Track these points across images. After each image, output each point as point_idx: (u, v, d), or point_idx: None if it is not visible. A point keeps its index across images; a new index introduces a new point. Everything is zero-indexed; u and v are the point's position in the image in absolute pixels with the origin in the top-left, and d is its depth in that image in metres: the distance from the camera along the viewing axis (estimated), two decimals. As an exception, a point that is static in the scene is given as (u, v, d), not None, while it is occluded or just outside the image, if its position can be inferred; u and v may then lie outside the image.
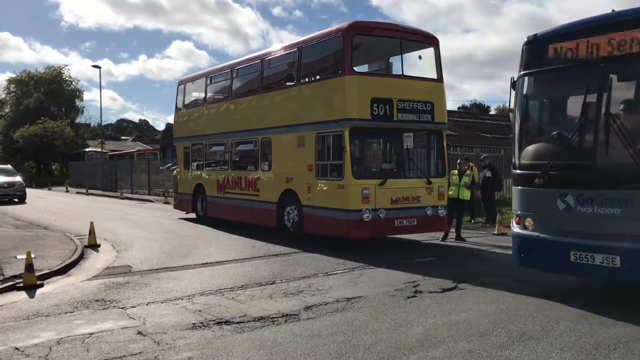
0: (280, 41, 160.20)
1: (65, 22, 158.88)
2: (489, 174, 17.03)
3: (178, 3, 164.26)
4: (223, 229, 15.70)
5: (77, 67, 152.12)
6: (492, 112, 76.47)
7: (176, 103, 19.73)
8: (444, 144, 13.09)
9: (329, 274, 9.41)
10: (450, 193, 13.28)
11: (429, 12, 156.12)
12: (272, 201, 13.95)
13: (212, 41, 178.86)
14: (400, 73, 12.70)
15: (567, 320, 6.57)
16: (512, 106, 8.30)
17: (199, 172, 18.17)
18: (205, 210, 17.65)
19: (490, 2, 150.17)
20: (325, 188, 12.22)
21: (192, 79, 19.37)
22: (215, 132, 17.01)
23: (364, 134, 12.52)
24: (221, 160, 17.35)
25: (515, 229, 8.07)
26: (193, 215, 18.51)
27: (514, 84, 8.06)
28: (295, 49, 13.48)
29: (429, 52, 12.91)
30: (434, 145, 13.02)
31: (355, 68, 12.12)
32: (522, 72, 7.95)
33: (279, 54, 14.40)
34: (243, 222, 15.72)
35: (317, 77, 13.46)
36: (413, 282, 8.72)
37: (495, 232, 14.63)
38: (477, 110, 72.29)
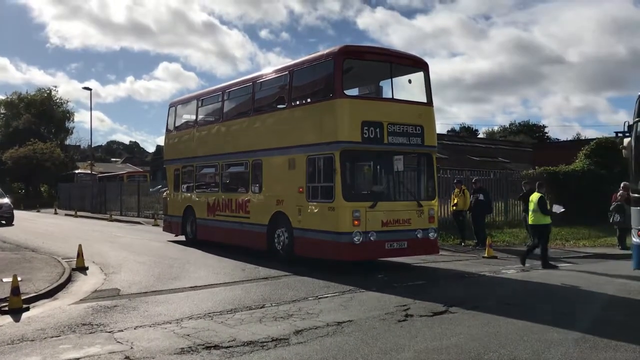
0: (268, 63, 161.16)
1: (51, 44, 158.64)
2: (481, 197, 17.13)
3: (165, 25, 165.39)
4: (212, 251, 15.60)
5: (64, 87, 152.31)
6: (481, 135, 77.23)
7: (167, 125, 19.74)
8: (434, 166, 13.10)
9: (319, 298, 9.35)
10: (531, 221, 13.27)
11: (416, 35, 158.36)
12: (263, 223, 13.88)
13: (200, 63, 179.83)
14: (391, 96, 12.79)
15: (558, 344, 6.56)
16: (625, 145, 10.18)
17: (189, 194, 18.09)
18: (195, 232, 17.53)
19: (477, 26, 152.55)
20: (316, 210, 12.18)
21: (183, 102, 19.42)
22: (206, 154, 16.97)
23: (355, 156, 12.41)
24: (212, 182, 17.28)
25: (635, 239, 9.96)
26: (182, 238, 18.38)
27: (629, 127, 9.81)
28: (287, 72, 13.54)
29: (419, 76, 13.03)
30: (424, 168, 13.02)
31: (345, 91, 12.18)
32: (636, 119, 9.70)
33: (270, 77, 14.46)
34: (233, 244, 15.60)
35: (308, 100, 13.51)
36: (404, 305, 8.68)
37: (485, 255, 14.64)
38: (465, 133, 72.89)
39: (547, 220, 13.18)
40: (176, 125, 19.35)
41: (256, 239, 14.26)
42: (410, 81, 13.17)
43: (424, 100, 12.91)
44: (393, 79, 12.89)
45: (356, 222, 11.49)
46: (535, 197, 13.33)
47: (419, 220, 12.35)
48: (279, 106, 13.96)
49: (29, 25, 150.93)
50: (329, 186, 11.74)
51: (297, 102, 13.54)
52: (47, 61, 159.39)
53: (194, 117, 18.21)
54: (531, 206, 13.36)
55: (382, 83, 13.77)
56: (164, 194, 20.52)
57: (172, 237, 19.20)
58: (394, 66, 12.77)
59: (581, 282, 11.06)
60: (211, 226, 16.55)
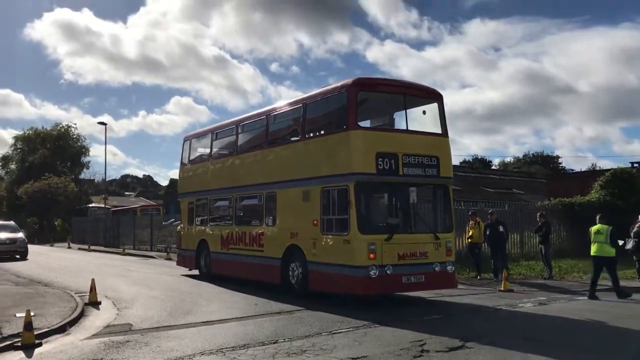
0: (279, 96, 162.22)
1: (65, 80, 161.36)
2: (502, 228, 16.95)
3: (176, 59, 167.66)
4: (225, 285, 15.51)
5: (78, 122, 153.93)
6: (494, 166, 77.00)
7: (181, 159, 19.78)
8: (451, 198, 12.89)
9: (333, 333, 9.21)
10: (596, 252, 13.14)
11: (425, 67, 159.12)
12: (277, 257, 13.70)
13: (212, 97, 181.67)
14: (405, 128, 12.71)
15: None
16: None
17: (203, 228, 17.98)
18: (208, 266, 17.38)
19: (486, 57, 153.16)
20: (330, 243, 12.01)
21: (198, 135, 19.49)
22: (220, 187, 16.95)
23: (370, 188, 12.23)
24: (225, 215, 17.19)
25: None
26: (196, 272, 18.27)
27: None
28: (300, 105, 13.57)
29: (433, 107, 12.97)
30: (440, 200, 12.86)
31: (359, 123, 12.18)
32: None
33: (284, 110, 14.52)
34: (247, 278, 15.39)
35: (322, 132, 13.52)
36: (419, 340, 8.52)
37: (501, 288, 14.41)
38: (479, 164, 72.68)
39: (613, 252, 13.09)
40: (190, 158, 19.37)
41: (270, 273, 14.07)
42: (424, 112, 13.07)
43: (439, 131, 12.84)
44: (407, 110, 12.83)
45: (372, 255, 11.26)
46: (604, 228, 13.19)
47: (437, 253, 12.09)
48: (292, 138, 13.95)
49: (43, 62, 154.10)
50: (344, 218, 11.60)
51: (311, 135, 13.53)
52: (61, 96, 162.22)
53: (208, 150, 18.24)
54: (599, 237, 13.18)
55: (396, 114, 13.78)
56: (178, 227, 20.44)
57: (185, 271, 19.14)
58: (408, 97, 12.75)
59: (602, 315, 10.82)
60: (225, 260, 16.42)
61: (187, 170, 19.56)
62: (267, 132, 14.93)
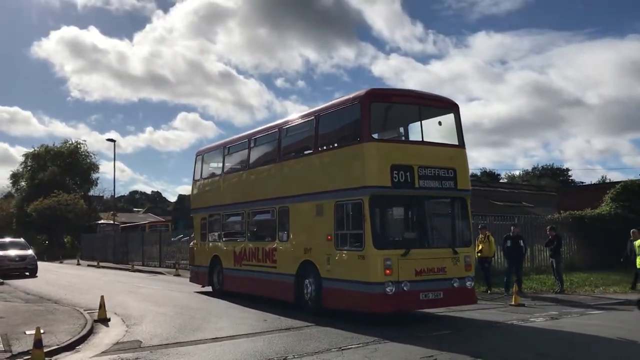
0: (285, 111, 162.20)
1: (72, 97, 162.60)
2: (522, 243, 16.91)
3: (182, 76, 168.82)
4: (234, 302, 15.46)
5: (85, 139, 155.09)
6: (503, 179, 76.67)
7: (194, 174, 19.67)
8: (469, 211, 12.53)
9: (343, 349, 9.14)
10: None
11: (431, 81, 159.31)
12: (290, 273, 13.45)
13: (218, 112, 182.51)
14: (420, 139, 12.41)
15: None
16: None
17: (216, 244, 17.77)
18: (221, 283, 17.17)
19: (493, 70, 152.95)
20: (345, 259, 11.72)
21: (210, 150, 19.33)
22: (233, 202, 16.74)
23: (385, 201, 11.88)
24: (238, 230, 16.97)
25: None
26: (209, 289, 18.10)
27: None
28: (313, 118, 13.35)
29: (449, 117, 12.69)
30: (458, 213, 12.45)
31: (373, 135, 11.89)
32: None
33: (296, 123, 14.29)
34: (261, 295, 15.12)
35: (336, 144, 13.12)
36: (430, 356, 8.44)
37: (512, 302, 14.27)
38: (487, 178, 72.43)
39: None
40: (203, 173, 19.23)
41: (283, 290, 13.79)
42: (440, 123, 12.82)
43: (456, 142, 12.54)
44: (422, 121, 12.48)
45: (388, 271, 10.93)
46: None
47: (455, 268, 11.74)
48: (305, 152, 13.71)
49: (50, 80, 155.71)
50: (359, 233, 11.31)
51: (324, 147, 13.19)
52: (69, 114, 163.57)
53: (220, 165, 18.05)
54: None
55: (411, 126, 13.50)
56: (191, 243, 20.23)
57: (196, 287, 19.05)
58: (423, 108, 12.49)
59: (616, 331, 10.68)
60: (238, 276, 16.19)
61: (199, 185, 19.39)
62: (280, 146, 14.70)
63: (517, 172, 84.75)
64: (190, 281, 19.68)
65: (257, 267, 15.18)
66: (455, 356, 8.42)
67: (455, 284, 11.67)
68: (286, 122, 14.80)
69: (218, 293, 17.17)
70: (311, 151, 13.37)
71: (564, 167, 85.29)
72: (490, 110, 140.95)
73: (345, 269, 11.67)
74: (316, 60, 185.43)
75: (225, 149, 17.72)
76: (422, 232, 12.20)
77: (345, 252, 11.74)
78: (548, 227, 18.04)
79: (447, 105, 12.86)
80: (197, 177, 19.45)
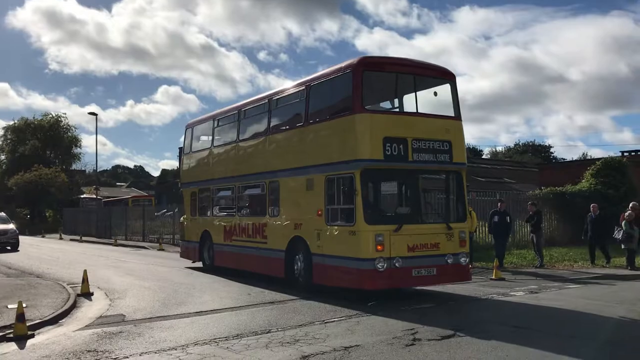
0: (268, 85, 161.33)
1: (50, 69, 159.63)
2: (508, 219, 17.14)
3: (163, 48, 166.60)
4: (219, 276, 15.51)
5: (65, 112, 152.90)
6: (485, 155, 77.18)
7: (183, 147, 19.26)
8: (464, 185, 12.19)
9: (326, 322, 9.25)
10: None
11: (416, 55, 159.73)
12: (280, 249, 13.10)
13: (200, 86, 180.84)
14: (415, 110, 11.94)
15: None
16: None
17: (206, 219, 17.46)
18: (212, 258, 16.89)
19: (477, 45, 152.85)
20: (335, 234, 11.39)
21: (199, 122, 18.85)
22: (223, 177, 16.36)
23: (377, 175, 11.51)
24: (228, 205, 16.60)
25: None
26: (200, 264, 17.86)
27: None
28: (303, 88, 12.81)
29: (445, 88, 12.24)
30: (453, 188, 12.10)
31: (366, 106, 11.33)
32: None
33: (286, 94, 13.74)
34: (251, 271, 14.81)
35: (327, 116, 12.40)
36: (411, 329, 8.57)
37: (493, 277, 14.51)
38: (469, 154, 72.73)
39: None
40: (192, 147, 18.76)
41: (274, 266, 13.49)
42: (435, 94, 12.36)
43: (452, 113, 12.11)
44: (417, 91, 12.03)
45: (379, 247, 10.63)
46: None
47: (449, 244, 11.40)
48: (296, 124, 13.13)
49: (27, 51, 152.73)
50: (349, 208, 10.97)
51: (315, 119, 12.56)
52: (47, 86, 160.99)
53: (210, 138, 17.63)
54: None
55: (405, 97, 12.92)
56: (181, 218, 19.90)
57: (185, 262, 18.93)
58: (418, 78, 12.06)
59: (592, 303, 10.92)
60: (228, 252, 15.92)
61: (189, 159, 18.96)
62: (270, 118, 14.26)
63: (499, 149, 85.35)
64: (181, 256, 19.48)
65: (247, 243, 14.89)
66: (437, 329, 8.56)
67: (449, 261, 11.34)
68: (276, 93, 14.30)
69: (209, 268, 16.91)
70: (301, 123, 12.84)
71: (546, 144, 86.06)
72: (473, 86, 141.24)
73: (335, 245, 11.39)
74: (299, 34, 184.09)
75: (215, 121, 17.25)
76: (416, 207, 11.89)
77: (335, 227, 11.43)
78: (529, 203, 18.27)
79: (443, 75, 12.41)
80: (187, 150, 19.02)
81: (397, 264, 10.76)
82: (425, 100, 12.19)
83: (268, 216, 14.01)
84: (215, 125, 17.20)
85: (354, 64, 11.38)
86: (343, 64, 11.82)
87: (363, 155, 10.95)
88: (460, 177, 12.06)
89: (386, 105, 13.48)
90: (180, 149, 21.93)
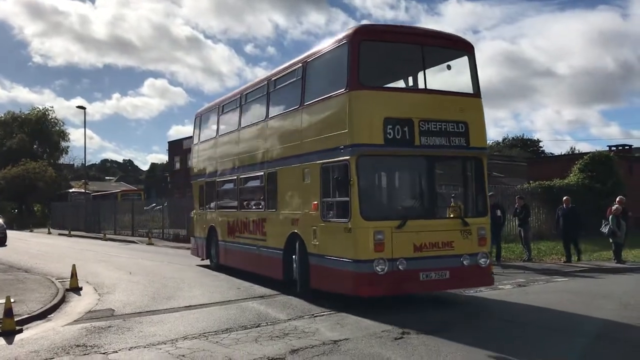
0: (256, 78, 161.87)
1: (33, 62, 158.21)
2: (499, 212, 17.06)
3: (148, 40, 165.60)
4: (209, 270, 15.49)
5: (52, 106, 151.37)
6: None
7: (193, 138, 18.33)
8: (485, 174, 10.49)
9: (315, 316, 9.28)
10: None
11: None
12: (279, 248, 11.79)
13: (187, 79, 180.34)
14: (423, 87, 10.49)
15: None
16: None
17: (212, 214, 16.27)
18: (217, 256, 15.68)
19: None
20: (331, 232, 9.96)
21: (207, 110, 17.45)
22: (226, 168, 15.10)
23: (376, 163, 10.01)
24: (231, 199, 15.09)
25: None
26: (200, 262, 17.15)
27: None
28: (300, 65, 11.38)
29: (462, 61, 10.69)
30: (471, 176, 10.52)
31: (364, 83, 9.77)
32: None
33: (284, 73, 12.27)
34: (252, 272, 13.49)
35: (322, 96, 10.67)
36: (400, 323, 8.59)
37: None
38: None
39: None
40: (200, 137, 17.54)
41: (272, 267, 12.19)
42: (449, 67, 10.88)
43: (470, 90, 10.51)
44: (427, 66, 10.51)
45: (379, 247, 9.21)
46: None
47: (465, 242, 9.85)
48: (293, 107, 11.61)
49: (10, 43, 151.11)
50: (344, 201, 9.53)
51: (311, 100, 10.97)
52: (32, 79, 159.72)
53: (215, 127, 16.34)
54: None
55: (412, 71, 11.26)
56: (192, 212, 18.71)
57: (172, 258, 18.96)
58: (429, 49, 10.40)
59: (578, 296, 11.03)
60: (232, 250, 14.64)
61: (197, 150, 17.78)
62: (268, 102, 12.85)
63: (488, 142, 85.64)
64: (191, 254, 18.35)
65: (248, 240, 13.60)
66: (425, 322, 8.59)
67: (465, 262, 9.79)
68: (275, 74, 12.81)
69: (216, 267, 15.79)
70: (297, 106, 11.33)
71: (535, 138, 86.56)
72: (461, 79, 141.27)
73: (332, 244, 9.97)
74: (285, 26, 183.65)
75: (220, 109, 15.89)
76: (424, 200, 10.37)
77: (331, 223, 9.99)
78: (517, 197, 18.39)
79: (459, 46, 10.72)
80: (196, 141, 17.91)
81: (400, 267, 9.32)
82: (438, 75, 10.87)
83: (267, 211, 12.70)
84: (220, 112, 15.88)
85: (350, 33, 9.95)
86: (340, 35, 10.41)
87: (359, 139, 9.52)
88: (479, 164, 10.42)
89: (390, 82, 11.93)
90: (170, 142, 21.80)
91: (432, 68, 10.69)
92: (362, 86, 9.67)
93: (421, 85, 10.60)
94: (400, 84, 11.85)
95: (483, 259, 10.01)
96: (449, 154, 10.25)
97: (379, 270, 9.19)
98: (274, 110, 12.69)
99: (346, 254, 9.52)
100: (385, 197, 10.93)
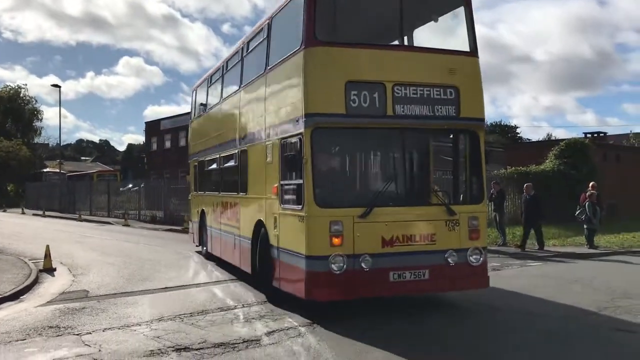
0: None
1: (3, 38, 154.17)
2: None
3: (123, 18, 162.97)
4: (187, 252, 15.41)
5: (22, 83, 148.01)
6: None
7: (190, 114, 17.17)
8: (481, 151, 8.45)
9: (291, 298, 9.28)
10: None
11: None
12: (247, 236, 10.14)
13: (163, 58, 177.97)
14: (400, 42, 8.72)
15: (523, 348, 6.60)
16: None
17: (202, 196, 14.79)
18: (206, 243, 14.24)
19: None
20: (288, 220, 8.28)
21: (200, 84, 15.80)
22: (210, 146, 13.61)
23: (337, 137, 8.21)
24: (216, 180, 13.43)
25: None
26: (194, 248, 15.89)
27: None
28: (266, 25, 9.70)
29: (457, 13, 8.84)
30: (462, 154, 8.65)
31: (322, 39, 7.93)
32: None
33: (253, 35, 10.59)
34: (232, 264, 11.73)
35: (281, 58, 8.83)
36: (374, 304, 8.67)
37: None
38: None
39: None
40: (195, 112, 16.12)
41: (243, 258, 10.57)
42: (436, 20, 9.08)
43: (465, 47, 8.53)
44: (414, 20, 8.81)
45: (336, 240, 7.52)
46: None
47: (451, 235, 8.02)
48: (259, 74, 9.89)
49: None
50: (298, 184, 7.86)
51: (273, 65, 9.24)
52: (2, 55, 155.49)
53: (205, 101, 14.95)
54: None
55: (391, 27, 9.18)
56: (190, 194, 17.19)
57: (148, 239, 18.81)
58: None
59: (550, 281, 11.22)
60: (216, 237, 13.07)
61: (193, 127, 16.50)
62: (242, 68, 11.26)
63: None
64: (192, 240, 16.50)
65: (227, 227, 11.98)
66: (404, 308, 8.66)
67: (450, 259, 7.97)
68: (249, 35, 11.11)
69: (205, 256, 14.38)
70: (262, 72, 9.65)
71: (512, 124, 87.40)
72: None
73: (290, 235, 8.26)
74: (264, 6, 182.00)
75: (209, 81, 14.45)
76: (398, 183, 8.29)
77: (288, 210, 8.25)
78: (492, 182, 18.54)
79: None
80: (192, 117, 16.68)
81: (364, 265, 7.59)
82: (426, 32, 9.24)
83: (239, 195, 11.01)
84: (209, 84, 14.36)
85: None
86: None
87: (313, 108, 7.71)
88: (474, 138, 8.47)
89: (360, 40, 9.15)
90: (147, 123, 21.46)
91: (421, 26, 9.03)
92: (318, 42, 7.83)
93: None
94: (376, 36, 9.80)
95: (475, 256, 8.14)
96: (432, 127, 8.32)
97: (336, 268, 7.48)
98: (246, 78, 10.92)
99: (299, 249, 7.82)
100: (348, 179, 9.01)
